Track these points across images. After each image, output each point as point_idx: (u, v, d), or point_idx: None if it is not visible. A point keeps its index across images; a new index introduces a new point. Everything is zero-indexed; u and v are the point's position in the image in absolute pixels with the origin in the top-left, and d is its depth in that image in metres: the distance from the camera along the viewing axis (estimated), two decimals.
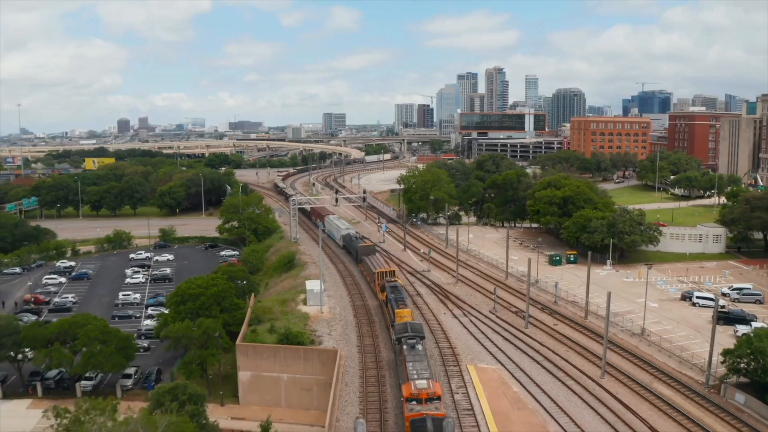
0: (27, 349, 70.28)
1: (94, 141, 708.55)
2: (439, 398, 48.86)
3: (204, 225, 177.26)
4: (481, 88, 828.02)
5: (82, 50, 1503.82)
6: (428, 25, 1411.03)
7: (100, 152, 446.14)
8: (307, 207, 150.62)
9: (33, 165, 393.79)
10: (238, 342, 65.10)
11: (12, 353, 69.59)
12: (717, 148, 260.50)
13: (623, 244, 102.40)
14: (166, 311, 79.43)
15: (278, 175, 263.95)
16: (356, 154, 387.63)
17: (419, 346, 57.11)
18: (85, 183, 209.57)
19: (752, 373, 56.01)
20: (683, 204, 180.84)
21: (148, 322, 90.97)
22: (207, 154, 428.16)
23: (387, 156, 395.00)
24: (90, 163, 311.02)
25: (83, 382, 70.25)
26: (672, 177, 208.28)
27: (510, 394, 56.05)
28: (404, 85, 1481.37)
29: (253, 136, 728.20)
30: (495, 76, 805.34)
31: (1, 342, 68.48)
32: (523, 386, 57.81)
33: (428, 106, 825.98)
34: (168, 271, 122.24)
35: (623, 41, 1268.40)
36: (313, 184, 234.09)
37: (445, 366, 62.21)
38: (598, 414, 53.28)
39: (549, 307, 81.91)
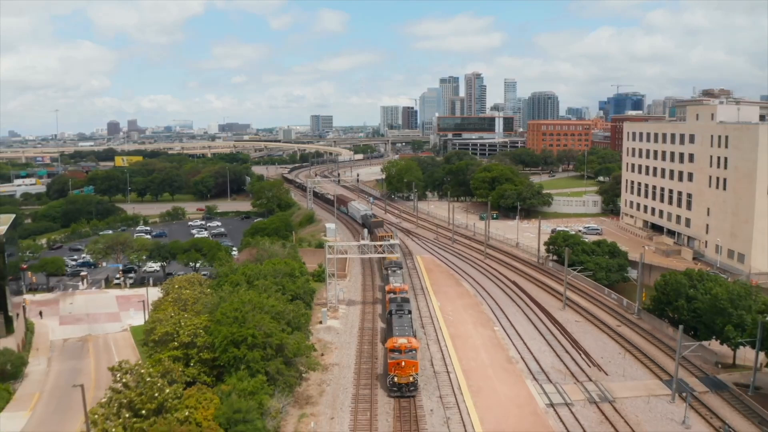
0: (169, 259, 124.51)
1: (92, 143, 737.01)
2: (406, 291, 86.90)
3: (232, 206, 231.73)
4: (462, 92, 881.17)
5: (71, 53, 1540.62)
6: (414, 28, 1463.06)
7: (109, 152, 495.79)
8: (323, 193, 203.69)
9: (54, 164, 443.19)
10: None
11: (161, 257, 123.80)
12: None
13: (525, 205, 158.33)
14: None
15: (284, 170, 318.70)
16: (346, 153, 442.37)
17: (398, 271, 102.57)
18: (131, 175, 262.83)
19: (555, 252, 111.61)
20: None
21: None
22: (209, 154, 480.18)
23: (373, 154, 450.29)
24: (119, 161, 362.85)
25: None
26: (598, 168, 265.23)
27: (435, 264, 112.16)
28: (390, 86, 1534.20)
29: (246, 137, 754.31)
30: (474, 81, 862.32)
31: (159, 251, 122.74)
32: (443, 261, 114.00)
33: (412, 108, 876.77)
34: (222, 230, 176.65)
35: (607, 43, 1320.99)
36: (315, 176, 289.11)
37: (404, 257, 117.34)
38: (479, 271, 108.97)
39: (469, 237, 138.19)
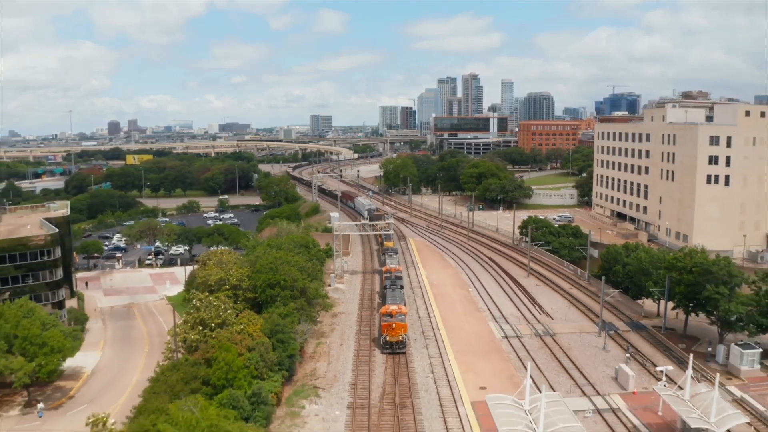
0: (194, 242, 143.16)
1: (94, 143, 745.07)
2: (400, 272, 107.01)
3: (240, 201, 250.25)
4: (460, 92, 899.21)
5: (72, 53, 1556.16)
6: (414, 28, 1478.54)
7: (116, 152, 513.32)
8: (330, 190, 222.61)
9: (65, 162, 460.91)
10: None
11: (188, 240, 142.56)
12: None
13: (508, 197, 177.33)
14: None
15: (288, 168, 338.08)
16: (346, 152, 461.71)
17: (394, 256, 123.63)
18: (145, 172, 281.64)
19: (525, 234, 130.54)
20: None
21: None
22: (212, 153, 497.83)
23: (372, 153, 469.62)
24: (131, 159, 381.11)
25: None
26: (582, 165, 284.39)
27: (425, 245, 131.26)
28: (389, 86, 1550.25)
29: (247, 137, 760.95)
30: (470, 82, 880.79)
31: (186, 236, 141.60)
32: (432, 243, 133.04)
33: (411, 108, 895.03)
34: (235, 220, 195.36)
35: (606, 43, 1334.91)
36: (318, 173, 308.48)
37: (399, 240, 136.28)
38: (462, 250, 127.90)
39: (456, 224, 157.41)
